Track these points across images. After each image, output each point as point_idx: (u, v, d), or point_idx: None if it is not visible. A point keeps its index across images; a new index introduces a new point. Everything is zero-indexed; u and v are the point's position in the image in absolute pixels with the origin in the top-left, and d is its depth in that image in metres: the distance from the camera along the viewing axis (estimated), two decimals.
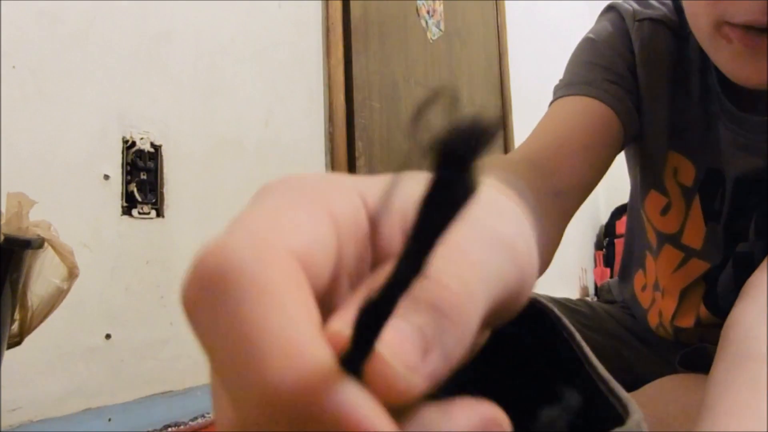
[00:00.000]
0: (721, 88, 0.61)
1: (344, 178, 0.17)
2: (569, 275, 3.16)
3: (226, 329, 0.13)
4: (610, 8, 0.69)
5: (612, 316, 0.90)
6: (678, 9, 0.64)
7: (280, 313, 0.13)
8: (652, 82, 0.64)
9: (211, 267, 0.15)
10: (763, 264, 0.46)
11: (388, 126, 1.90)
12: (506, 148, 2.48)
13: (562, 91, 0.64)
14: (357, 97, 1.77)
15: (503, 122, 2.54)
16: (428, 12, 2.15)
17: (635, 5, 0.67)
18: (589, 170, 0.60)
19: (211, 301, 0.14)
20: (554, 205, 0.56)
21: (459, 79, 2.31)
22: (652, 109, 0.65)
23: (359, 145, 1.76)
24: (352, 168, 1.73)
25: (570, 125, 0.61)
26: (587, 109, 0.62)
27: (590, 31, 0.69)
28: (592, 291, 3.32)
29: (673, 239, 0.69)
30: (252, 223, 0.15)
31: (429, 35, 2.15)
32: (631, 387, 0.65)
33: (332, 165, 1.68)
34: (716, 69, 0.60)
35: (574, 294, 3.19)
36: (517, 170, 0.52)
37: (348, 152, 1.73)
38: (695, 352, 0.64)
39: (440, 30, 2.21)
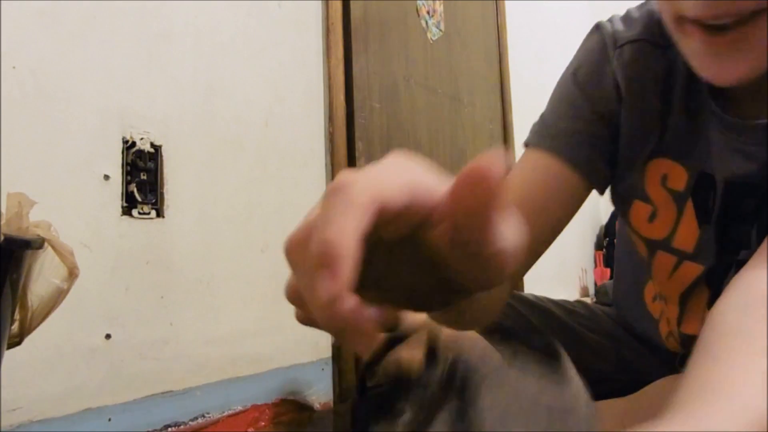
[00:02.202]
0: (711, 93, 0.61)
1: (423, 166, 0.27)
2: (569, 275, 3.16)
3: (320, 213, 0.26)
4: (596, 28, 0.70)
5: (610, 317, 0.90)
6: (657, 17, 0.65)
7: (342, 221, 0.24)
8: (638, 102, 0.65)
9: (338, 181, 0.25)
10: (751, 261, 0.46)
11: (388, 126, 1.90)
12: (506, 147, 2.48)
13: (534, 138, 0.68)
14: (357, 97, 1.77)
15: (503, 122, 2.54)
16: (428, 12, 2.15)
17: (617, 25, 0.68)
18: (540, 233, 0.64)
19: (327, 196, 0.25)
20: None
21: (459, 79, 2.31)
22: (635, 126, 0.66)
23: (359, 145, 1.76)
24: (351, 168, 1.73)
25: (529, 186, 0.66)
26: (550, 168, 0.66)
27: (574, 59, 0.71)
28: (592, 291, 3.32)
29: (664, 244, 0.69)
30: (369, 172, 0.25)
31: (429, 35, 2.15)
32: (631, 387, 0.65)
33: (332, 165, 1.68)
34: None
35: (574, 294, 3.19)
36: None
37: (348, 152, 1.73)
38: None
39: (440, 30, 2.21)
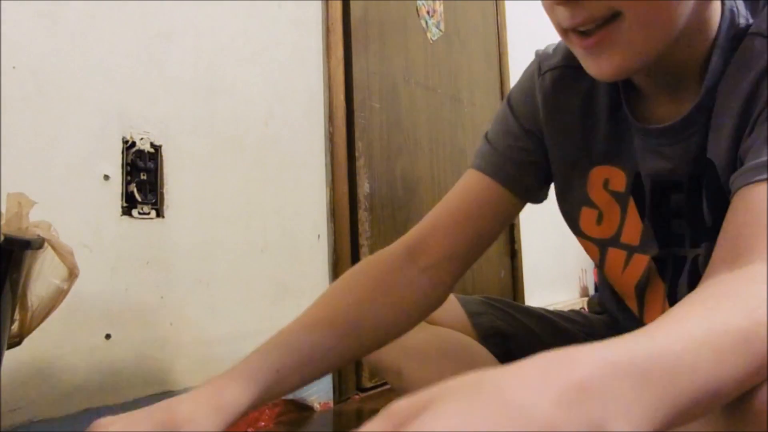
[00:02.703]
0: (629, 102, 0.69)
1: None
2: (569, 276, 3.16)
3: None
4: (535, 56, 0.80)
5: (605, 324, 0.93)
6: None
7: None
8: (560, 125, 0.75)
9: None
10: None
11: (388, 126, 1.90)
12: None
13: (474, 161, 0.80)
14: (357, 97, 1.77)
15: None
16: (428, 12, 2.15)
17: (548, 51, 0.78)
18: (463, 241, 0.75)
19: None
20: (424, 277, 0.74)
21: (459, 79, 2.31)
22: (565, 145, 0.75)
23: (359, 145, 1.76)
24: (351, 168, 1.73)
25: (455, 203, 0.78)
26: (478, 185, 0.78)
27: (513, 87, 0.82)
28: (591, 291, 3.32)
29: (613, 241, 0.76)
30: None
31: (429, 35, 2.15)
32: None
33: (332, 165, 1.68)
34: (625, 84, 0.69)
35: (574, 294, 3.19)
36: (387, 262, 0.75)
37: (348, 152, 1.73)
38: None
39: (440, 30, 2.21)
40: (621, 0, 0.53)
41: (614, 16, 0.54)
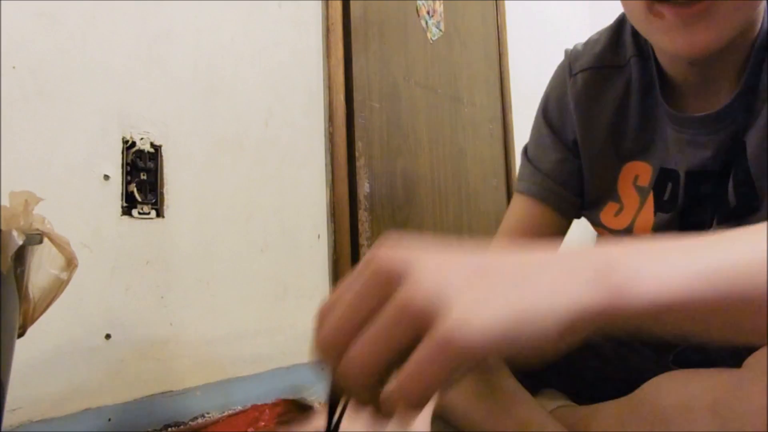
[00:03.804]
0: (663, 96, 0.70)
1: None
2: None
3: None
4: (564, 54, 0.81)
5: None
6: (612, 41, 0.76)
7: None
8: (593, 125, 0.76)
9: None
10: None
11: (388, 126, 1.90)
12: (506, 147, 2.48)
13: (519, 186, 0.83)
14: (357, 97, 1.77)
15: (503, 122, 2.54)
16: (428, 12, 2.15)
17: (577, 51, 0.79)
18: None
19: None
20: None
21: (459, 79, 2.31)
22: (598, 143, 0.77)
23: (359, 145, 1.76)
24: (351, 168, 1.73)
25: (516, 233, 0.81)
26: (530, 210, 0.81)
27: (547, 89, 0.83)
28: None
29: (626, 231, 0.78)
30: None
31: (429, 35, 2.15)
32: (628, 387, 0.66)
33: (332, 165, 1.68)
34: (659, 78, 0.70)
35: None
36: None
37: (348, 152, 1.73)
38: (687, 350, 0.71)
39: (440, 30, 2.21)
40: None
41: None
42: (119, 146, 1.19)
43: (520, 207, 0.82)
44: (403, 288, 0.29)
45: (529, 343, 0.27)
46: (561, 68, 0.82)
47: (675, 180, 0.72)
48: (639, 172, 0.75)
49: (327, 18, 1.71)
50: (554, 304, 0.28)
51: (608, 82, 0.75)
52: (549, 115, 0.81)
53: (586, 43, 0.79)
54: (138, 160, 1.21)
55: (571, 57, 0.80)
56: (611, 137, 0.76)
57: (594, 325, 0.29)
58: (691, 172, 0.70)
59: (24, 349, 0.75)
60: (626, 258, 0.30)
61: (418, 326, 0.28)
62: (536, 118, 0.84)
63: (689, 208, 0.72)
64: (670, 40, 0.59)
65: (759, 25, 0.64)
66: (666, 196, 0.73)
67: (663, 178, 0.73)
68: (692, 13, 0.56)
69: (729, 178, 0.67)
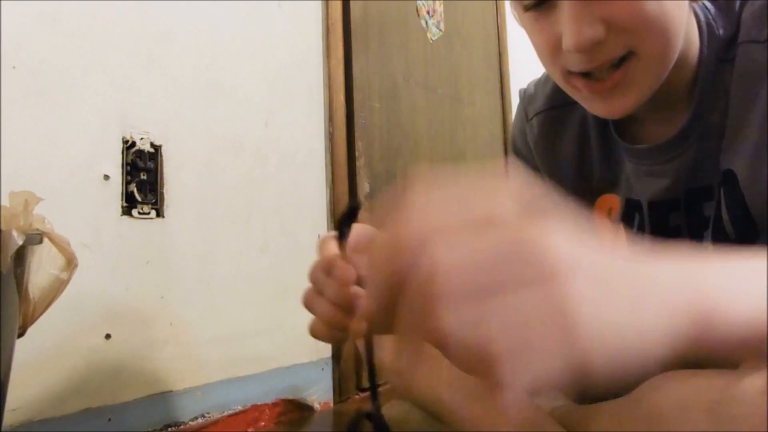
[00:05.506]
0: (619, 127, 0.70)
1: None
2: None
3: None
4: (519, 96, 0.82)
5: None
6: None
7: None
8: (556, 166, 0.76)
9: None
10: None
11: (388, 126, 1.90)
12: (506, 147, 2.48)
13: None
14: (357, 97, 1.77)
15: (503, 122, 2.54)
16: (428, 12, 2.15)
17: (531, 92, 0.79)
18: None
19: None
20: None
21: (459, 79, 2.31)
22: (565, 182, 0.77)
23: (359, 145, 1.76)
24: (351, 168, 1.73)
25: None
26: None
27: (513, 123, 0.84)
28: None
29: None
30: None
31: (429, 35, 2.15)
32: (627, 387, 0.66)
33: (332, 165, 1.68)
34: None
35: None
36: None
37: (348, 152, 1.73)
38: None
39: (440, 30, 2.21)
40: (637, 37, 0.53)
41: (627, 56, 0.54)
42: (119, 146, 1.19)
43: None
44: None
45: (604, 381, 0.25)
46: (519, 111, 0.82)
47: (640, 211, 0.72)
48: (612, 204, 0.75)
49: (327, 18, 1.71)
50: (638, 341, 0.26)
51: (564, 122, 0.74)
52: (520, 152, 0.82)
53: (537, 84, 0.79)
54: (138, 160, 1.21)
55: (525, 101, 0.79)
56: (580, 173, 0.76)
57: (683, 359, 0.28)
58: (654, 203, 0.69)
59: (24, 349, 0.75)
60: (713, 282, 0.29)
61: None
62: (510, 158, 0.85)
63: (664, 239, 0.70)
64: (590, 107, 0.61)
65: (696, 39, 0.61)
66: (635, 228, 0.72)
67: (630, 209, 0.72)
68: (605, 88, 0.56)
69: (700, 206, 0.65)
